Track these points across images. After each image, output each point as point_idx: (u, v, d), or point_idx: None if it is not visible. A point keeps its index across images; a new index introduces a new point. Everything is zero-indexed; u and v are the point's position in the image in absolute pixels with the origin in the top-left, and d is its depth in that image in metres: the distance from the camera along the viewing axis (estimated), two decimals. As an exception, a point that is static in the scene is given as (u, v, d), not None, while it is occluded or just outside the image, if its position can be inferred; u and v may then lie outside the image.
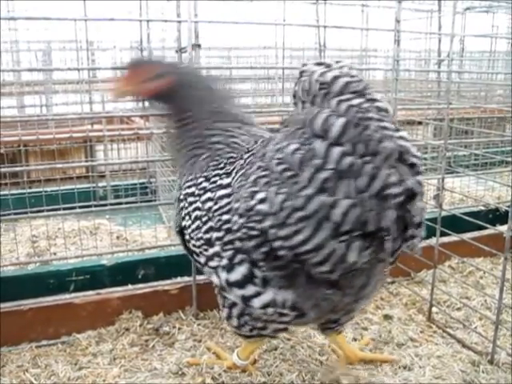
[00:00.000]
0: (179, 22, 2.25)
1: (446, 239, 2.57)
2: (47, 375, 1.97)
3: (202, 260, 1.66)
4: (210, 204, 1.62)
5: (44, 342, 2.17)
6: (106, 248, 3.12)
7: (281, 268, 1.43)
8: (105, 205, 3.77)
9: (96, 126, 4.66)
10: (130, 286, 2.37)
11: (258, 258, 1.45)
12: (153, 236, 3.25)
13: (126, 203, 3.70)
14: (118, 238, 3.41)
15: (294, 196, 1.26)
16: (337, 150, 1.21)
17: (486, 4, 5.24)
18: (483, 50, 6.41)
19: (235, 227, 1.48)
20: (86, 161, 4.88)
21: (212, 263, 1.61)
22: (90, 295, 2.27)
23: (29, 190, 3.64)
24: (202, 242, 1.64)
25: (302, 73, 1.38)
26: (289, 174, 1.28)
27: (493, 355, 2.01)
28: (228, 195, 1.58)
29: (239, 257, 1.52)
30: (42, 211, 3.00)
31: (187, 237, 1.74)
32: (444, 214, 2.40)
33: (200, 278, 2.32)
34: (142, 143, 4.71)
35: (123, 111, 4.32)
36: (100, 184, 4.44)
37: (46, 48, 5.83)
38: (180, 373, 1.96)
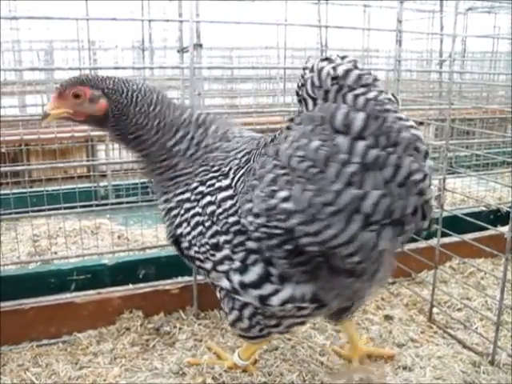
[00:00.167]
0: (181, 21, 2.26)
1: (447, 240, 2.57)
2: (48, 374, 1.97)
3: (208, 266, 1.63)
4: (212, 208, 1.60)
5: (45, 341, 2.18)
6: (107, 247, 3.12)
7: (303, 263, 1.44)
8: (106, 204, 3.77)
9: (97, 126, 4.65)
10: (130, 286, 2.37)
11: (279, 256, 1.45)
12: (154, 236, 3.25)
13: (127, 203, 3.70)
14: (119, 237, 3.41)
15: (322, 192, 1.27)
16: (361, 144, 1.24)
17: (488, 4, 5.24)
18: (485, 50, 6.41)
19: (251, 227, 1.46)
20: (88, 160, 4.88)
21: (221, 267, 1.59)
22: (90, 295, 2.27)
23: (30, 190, 3.64)
24: (207, 247, 1.61)
25: (306, 69, 1.37)
26: (314, 170, 1.28)
27: (493, 356, 2.01)
28: (231, 197, 1.57)
29: (252, 257, 1.52)
30: (43, 210, 3.00)
31: (185, 244, 1.69)
32: (445, 214, 2.41)
33: (201, 277, 2.32)
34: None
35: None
36: (101, 183, 4.44)
37: (47, 47, 5.83)
38: (180, 372, 1.96)
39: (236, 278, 1.56)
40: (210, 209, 1.60)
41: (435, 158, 4.23)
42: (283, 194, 1.34)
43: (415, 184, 1.28)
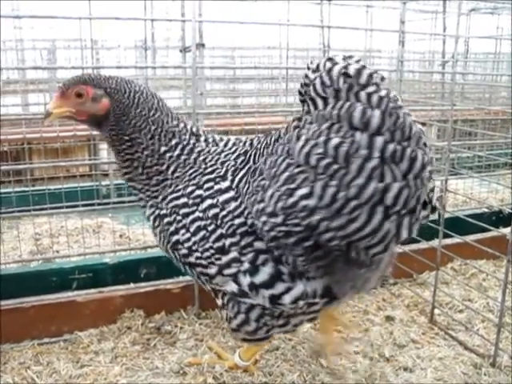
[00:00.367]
0: (184, 21, 2.26)
1: (448, 241, 2.57)
2: (49, 373, 1.97)
3: (213, 270, 1.61)
4: (215, 211, 1.58)
5: (46, 340, 2.18)
6: (109, 246, 3.12)
7: (320, 258, 1.46)
8: (108, 203, 3.78)
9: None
10: (132, 285, 2.37)
11: (297, 253, 1.46)
12: (155, 235, 3.25)
13: (129, 202, 3.69)
14: (120, 236, 3.42)
15: (346, 187, 1.30)
16: (380, 140, 1.29)
17: (491, 5, 5.24)
18: (488, 51, 6.41)
19: (266, 227, 1.45)
20: (90, 159, 4.88)
21: (229, 271, 1.58)
22: (92, 293, 2.27)
23: (32, 188, 3.65)
24: (212, 251, 1.59)
25: (311, 69, 1.38)
26: (335, 167, 1.31)
27: (495, 358, 2.01)
28: (234, 198, 1.56)
29: (262, 257, 1.53)
30: (45, 209, 3.00)
31: (184, 251, 1.66)
32: (447, 215, 2.40)
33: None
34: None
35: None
36: (103, 182, 4.45)
37: (50, 46, 5.85)
38: (181, 372, 1.96)
39: (246, 279, 1.56)
40: (212, 212, 1.59)
41: (437, 159, 4.24)
42: (303, 191, 1.35)
43: (428, 174, 1.36)
